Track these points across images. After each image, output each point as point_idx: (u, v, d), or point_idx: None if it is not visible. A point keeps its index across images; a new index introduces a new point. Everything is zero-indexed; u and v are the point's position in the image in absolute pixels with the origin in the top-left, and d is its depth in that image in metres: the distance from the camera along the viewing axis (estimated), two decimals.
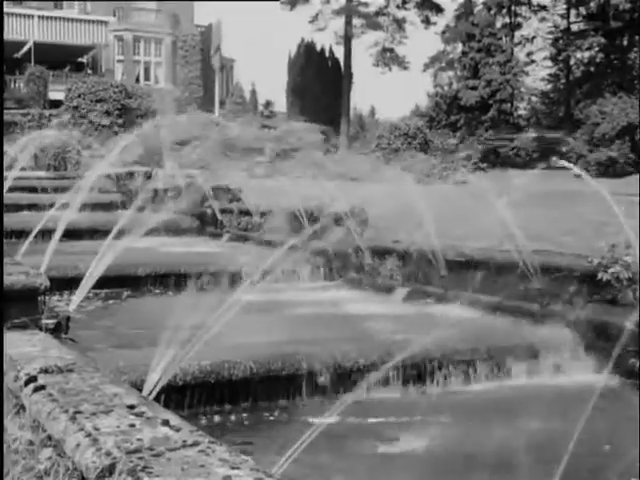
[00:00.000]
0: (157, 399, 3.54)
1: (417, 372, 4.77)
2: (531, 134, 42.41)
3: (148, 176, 10.40)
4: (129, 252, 6.34)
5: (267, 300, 6.30)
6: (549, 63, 56.62)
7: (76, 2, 49.69)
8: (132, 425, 2.30)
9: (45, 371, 2.93)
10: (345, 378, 4.59)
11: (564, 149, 38.42)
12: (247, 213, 10.68)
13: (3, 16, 43.11)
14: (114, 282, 6.93)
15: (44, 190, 12.93)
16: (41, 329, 4.02)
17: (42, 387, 2.74)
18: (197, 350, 3.79)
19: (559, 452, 2.74)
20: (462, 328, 5.54)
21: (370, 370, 4.53)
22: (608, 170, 35.51)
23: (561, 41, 54.10)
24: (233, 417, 4.28)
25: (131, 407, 2.51)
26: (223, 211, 11.22)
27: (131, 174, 11.56)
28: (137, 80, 52.64)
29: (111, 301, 6.94)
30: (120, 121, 32.42)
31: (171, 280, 7.41)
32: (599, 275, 5.57)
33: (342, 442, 3.87)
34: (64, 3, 49.95)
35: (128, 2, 53.00)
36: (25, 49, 42.11)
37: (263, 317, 5.90)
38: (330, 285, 7.66)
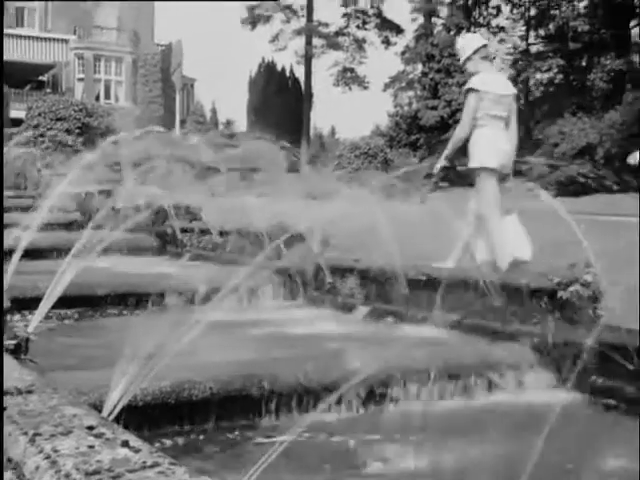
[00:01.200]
0: (117, 420, 3.52)
1: (377, 391, 4.78)
2: None
3: (108, 195, 10.34)
4: (89, 272, 6.30)
5: (228, 320, 6.29)
6: None
7: (37, 20, 49.38)
8: (91, 446, 2.28)
9: (5, 393, 2.90)
10: (306, 397, 4.59)
11: (524, 168, 38.77)
12: (208, 232, 10.66)
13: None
14: (74, 302, 6.88)
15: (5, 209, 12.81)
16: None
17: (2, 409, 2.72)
18: (158, 370, 3.78)
19: (518, 471, 2.77)
20: (423, 346, 5.57)
21: (331, 389, 4.53)
22: (568, 189, 35.89)
23: (520, 62, 54.78)
24: (194, 437, 4.26)
25: (90, 428, 2.49)
26: (184, 230, 11.19)
27: (91, 193, 11.50)
28: (97, 99, 52.47)
29: (71, 321, 6.89)
30: (81, 140, 32.30)
31: (131, 300, 7.37)
32: (559, 293, 5.62)
33: (303, 461, 3.87)
34: (25, 21, 49.65)
35: (88, 21, 52.68)
36: None
37: (224, 337, 5.88)
38: (291, 304, 7.66)
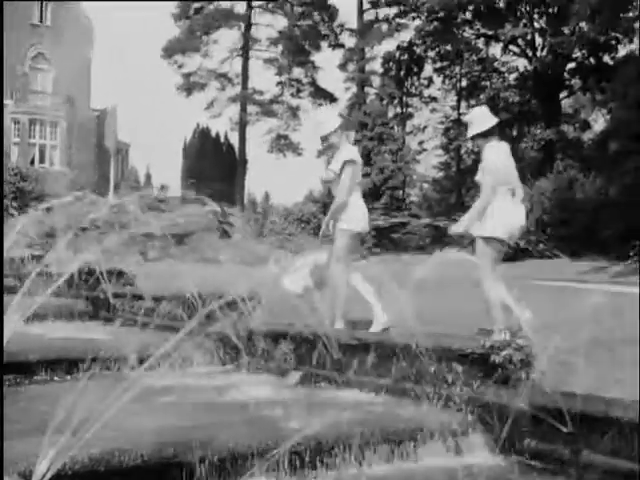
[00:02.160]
0: None
1: (310, 457, 4.77)
2: (424, 220, 43.36)
3: (41, 260, 10.24)
4: (20, 337, 6.23)
5: (160, 386, 6.25)
6: (440, 152, 58.39)
7: None
8: None
9: None
10: (238, 464, 4.57)
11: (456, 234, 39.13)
12: (140, 297, 10.60)
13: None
14: (4, 369, 6.77)
15: None
16: None
17: None
18: (87, 438, 3.75)
19: None
20: (356, 411, 5.59)
21: (263, 455, 4.53)
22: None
23: (452, 131, 55.90)
24: None
25: None
26: (116, 295, 11.10)
27: (24, 258, 11.38)
28: (32, 163, 52.08)
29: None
30: (15, 204, 32.01)
31: (62, 366, 7.28)
32: (492, 357, 5.69)
33: None
34: None
35: (25, 85, 52.57)
36: None
37: (156, 403, 5.84)
38: (223, 369, 7.64)
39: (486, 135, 7.88)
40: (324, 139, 8.33)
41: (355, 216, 8.09)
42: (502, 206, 7.62)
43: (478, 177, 7.88)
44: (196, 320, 7.25)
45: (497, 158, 7.85)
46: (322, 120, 8.44)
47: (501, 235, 7.51)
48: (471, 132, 7.93)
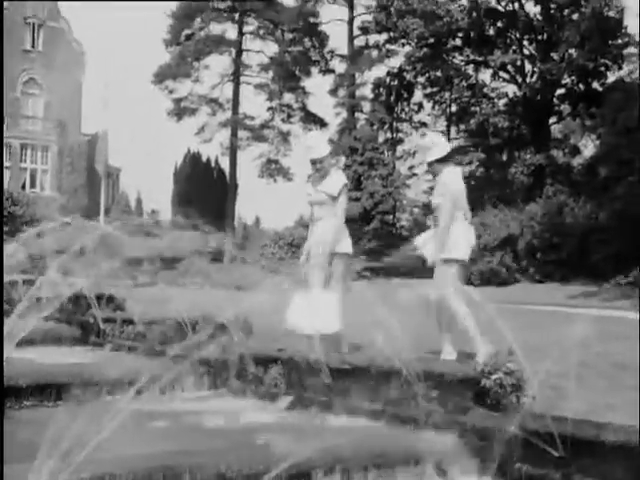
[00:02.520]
0: None
1: None
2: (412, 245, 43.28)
3: (31, 284, 10.20)
4: (9, 362, 6.21)
5: (150, 411, 6.24)
6: (430, 177, 58.32)
7: None
8: None
9: None
10: None
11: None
12: (131, 322, 10.57)
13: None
14: None
15: None
16: None
17: None
18: (78, 462, 3.73)
19: None
20: (346, 436, 5.58)
21: None
22: (491, 280, 36.44)
23: None
24: None
25: None
26: (106, 320, 11.07)
27: (14, 283, 11.35)
28: (23, 187, 52.03)
29: None
30: (6, 229, 32.01)
31: (51, 391, 7.25)
32: (482, 382, 5.69)
33: None
34: None
35: (16, 110, 52.63)
36: None
37: (145, 428, 5.82)
38: (214, 394, 7.62)
39: (444, 160, 7.96)
40: (315, 163, 8.36)
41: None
42: (460, 228, 7.86)
43: (436, 201, 7.97)
44: (187, 345, 7.25)
45: (458, 183, 8.02)
46: (312, 144, 8.47)
47: (462, 256, 7.76)
48: (430, 157, 7.98)
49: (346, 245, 8.39)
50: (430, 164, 8.06)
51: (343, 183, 8.28)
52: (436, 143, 8.10)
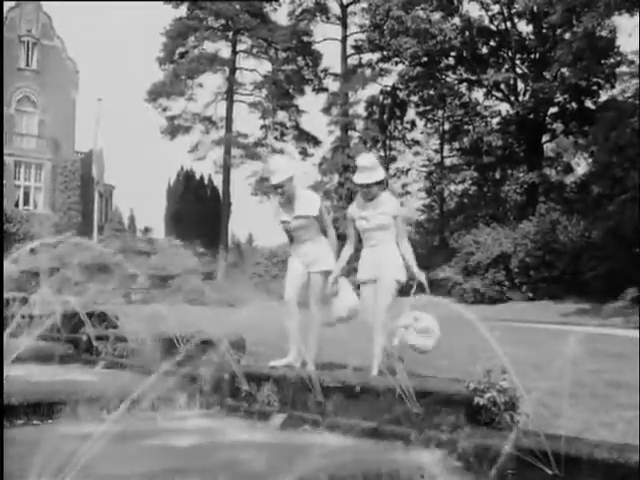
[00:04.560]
0: None
1: None
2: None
3: (24, 302, 10.20)
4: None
5: (142, 429, 6.21)
6: (423, 194, 58.59)
7: None
8: None
9: None
10: None
11: (440, 277, 39.35)
12: (123, 339, 10.55)
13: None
14: None
15: None
16: None
17: None
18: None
19: None
20: (340, 455, 5.55)
21: None
22: (484, 297, 36.46)
23: (435, 174, 56.11)
24: None
25: None
26: (99, 337, 11.05)
27: (7, 300, 11.33)
28: (17, 205, 51.97)
29: None
30: None
31: (43, 409, 7.21)
32: (475, 400, 5.68)
33: None
34: None
35: (10, 127, 52.64)
36: None
37: (137, 446, 5.80)
38: (206, 412, 7.59)
39: (382, 183, 7.79)
40: (278, 187, 8.08)
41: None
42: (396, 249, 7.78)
43: (378, 222, 7.73)
44: (180, 362, 7.23)
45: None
46: (274, 169, 8.10)
47: (403, 278, 7.69)
48: (374, 178, 7.68)
49: (327, 262, 8.11)
50: (369, 186, 7.66)
51: (319, 200, 8.14)
52: (377, 164, 7.82)
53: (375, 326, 7.46)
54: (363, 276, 7.79)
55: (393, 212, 7.71)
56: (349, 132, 58.99)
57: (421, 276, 7.60)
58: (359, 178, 7.71)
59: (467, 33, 48.20)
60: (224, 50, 61.62)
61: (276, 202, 8.54)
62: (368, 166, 7.67)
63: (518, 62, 50.07)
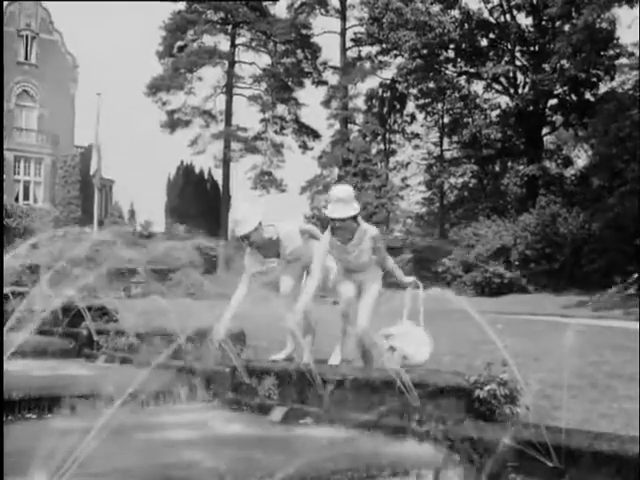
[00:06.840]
0: None
1: None
2: (407, 255, 43.39)
3: (25, 296, 10.18)
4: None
5: (142, 422, 6.21)
6: (423, 188, 58.67)
7: None
8: None
9: None
10: None
11: (440, 269, 39.37)
12: (124, 334, 10.54)
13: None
14: None
15: None
16: None
17: None
18: (68, 475, 3.71)
19: None
20: (340, 448, 5.55)
21: None
22: (484, 290, 36.48)
23: (435, 167, 56.13)
24: None
25: None
26: (99, 332, 11.04)
27: (7, 295, 11.32)
28: (16, 199, 51.97)
29: None
30: None
31: (45, 403, 7.21)
32: (476, 392, 5.68)
33: None
34: None
35: (10, 122, 52.59)
36: None
37: (138, 440, 5.79)
38: (207, 406, 7.58)
39: (356, 218, 7.40)
40: (245, 238, 7.97)
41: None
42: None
43: (359, 261, 7.62)
44: (180, 356, 7.22)
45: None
46: (241, 219, 7.92)
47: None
48: (349, 213, 7.28)
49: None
50: (344, 220, 7.25)
51: (297, 233, 8.15)
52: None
53: (354, 321, 7.56)
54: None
55: (371, 244, 7.51)
56: (349, 125, 59.03)
57: (412, 280, 7.68)
58: (333, 211, 7.29)
59: (466, 25, 48.16)
60: (223, 43, 61.65)
61: (247, 253, 8.33)
62: (343, 198, 7.25)
63: (517, 54, 50.01)
